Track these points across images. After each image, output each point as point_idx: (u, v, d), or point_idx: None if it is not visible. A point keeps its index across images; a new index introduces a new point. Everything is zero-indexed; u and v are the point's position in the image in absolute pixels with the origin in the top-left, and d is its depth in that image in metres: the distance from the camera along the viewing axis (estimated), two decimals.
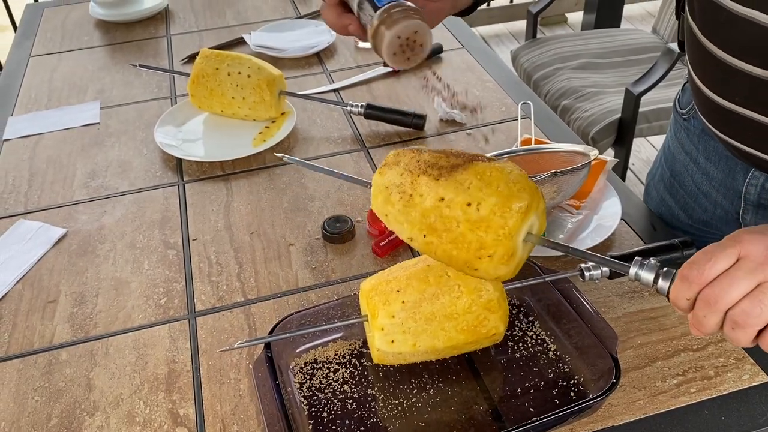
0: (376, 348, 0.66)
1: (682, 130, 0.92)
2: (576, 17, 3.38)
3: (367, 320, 0.67)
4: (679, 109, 0.93)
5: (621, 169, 1.80)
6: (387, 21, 0.62)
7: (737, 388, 0.68)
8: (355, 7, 0.66)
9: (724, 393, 0.68)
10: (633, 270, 0.58)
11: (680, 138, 0.93)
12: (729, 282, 0.50)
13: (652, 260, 0.58)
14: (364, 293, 0.68)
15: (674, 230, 0.96)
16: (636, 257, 0.59)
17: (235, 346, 0.66)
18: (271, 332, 0.69)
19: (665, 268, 0.57)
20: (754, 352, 0.71)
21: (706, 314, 0.52)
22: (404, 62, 0.64)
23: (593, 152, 0.86)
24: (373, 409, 0.67)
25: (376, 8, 0.63)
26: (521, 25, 3.34)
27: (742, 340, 0.51)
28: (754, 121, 0.72)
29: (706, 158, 0.88)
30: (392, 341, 0.65)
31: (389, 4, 0.62)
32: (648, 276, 0.57)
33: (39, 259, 0.90)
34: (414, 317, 0.64)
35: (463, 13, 0.78)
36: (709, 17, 0.71)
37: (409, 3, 0.63)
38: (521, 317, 0.76)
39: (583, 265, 0.70)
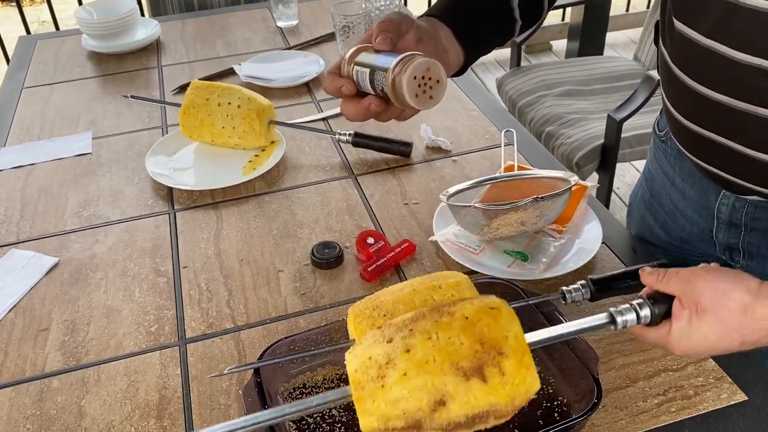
0: None
1: (660, 151, 0.96)
2: (560, 45, 3.45)
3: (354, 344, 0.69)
4: (657, 132, 0.97)
5: (605, 193, 1.83)
6: (399, 71, 0.66)
7: (716, 407, 0.70)
8: (368, 85, 0.70)
9: (703, 412, 0.70)
10: (620, 319, 0.60)
11: (659, 159, 0.96)
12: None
13: (621, 307, 0.61)
14: (352, 318, 0.69)
15: (654, 248, 0.99)
16: (609, 311, 0.61)
17: (225, 372, 0.68)
18: (260, 358, 0.71)
19: (636, 302, 0.61)
20: (733, 371, 0.73)
21: None
22: (428, 101, 0.68)
23: (573, 178, 0.89)
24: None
25: (385, 70, 0.68)
26: (507, 53, 3.40)
27: None
28: (720, 144, 0.75)
29: (682, 179, 0.91)
30: None
31: (394, 61, 0.67)
32: (631, 316, 0.60)
33: (31, 288, 0.91)
34: None
35: (455, 74, 0.81)
36: (678, 48, 0.75)
37: (414, 53, 0.67)
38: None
39: (564, 288, 0.72)
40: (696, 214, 0.90)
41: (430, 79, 0.67)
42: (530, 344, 0.57)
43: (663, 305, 0.61)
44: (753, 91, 0.68)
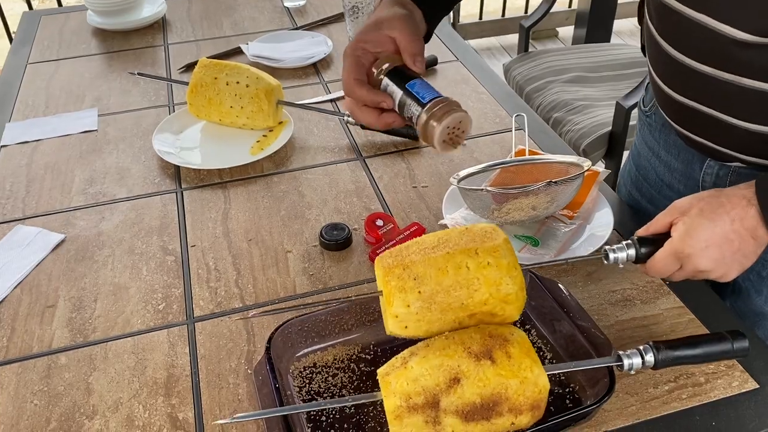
0: (389, 329, 0.64)
1: (645, 126, 0.98)
2: (566, 32, 3.43)
3: (382, 295, 0.64)
4: (642, 107, 1.00)
5: (612, 181, 1.82)
6: (435, 116, 0.71)
7: (727, 395, 0.70)
8: (394, 104, 0.75)
9: (714, 399, 0.69)
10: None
11: (644, 134, 0.99)
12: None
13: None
14: (381, 272, 0.64)
15: (643, 223, 0.99)
16: (618, 353, 0.65)
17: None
18: (270, 338, 0.70)
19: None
20: (744, 360, 0.73)
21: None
22: (450, 147, 0.73)
23: (586, 163, 0.88)
24: (372, 414, 0.68)
25: (421, 104, 0.72)
26: (512, 38, 3.38)
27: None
28: (707, 114, 0.78)
29: (666, 151, 0.94)
30: (405, 327, 0.63)
31: (433, 101, 0.71)
32: (637, 360, 0.65)
33: (37, 265, 0.90)
34: (429, 308, 0.62)
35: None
36: (665, 20, 0.77)
37: (449, 97, 0.72)
38: (518, 325, 0.77)
39: (607, 247, 0.69)
40: (681, 185, 0.92)
41: (458, 129, 0.72)
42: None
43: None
44: (737, 62, 0.70)
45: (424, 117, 0.71)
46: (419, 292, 0.62)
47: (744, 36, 0.67)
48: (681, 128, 0.85)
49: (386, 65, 0.75)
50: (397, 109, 0.75)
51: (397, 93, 0.74)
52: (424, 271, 0.62)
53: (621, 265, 0.70)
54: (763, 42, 0.67)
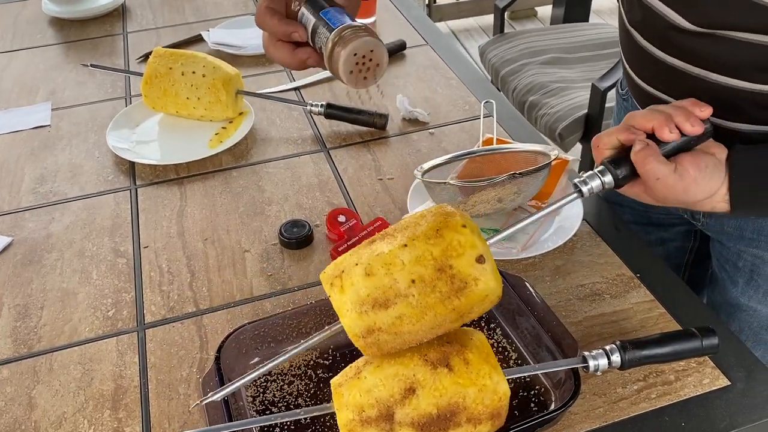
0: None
1: (622, 110, 0.95)
2: (545, 11, 3.38)
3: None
4: (620, 91, 0.96)
5: (588, 165, 1.80)
6: (341, 41, 0.63)
7: (698, 393, 0.67)
8: (308, 35, 0.67)
9: (684, 398, 0.67)
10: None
11: (621, 118, 0.95)
12: None
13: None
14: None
15: (620, 207, 0.96)
16: (583, 355, 0.61)
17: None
18: (221, 345, 0.67)
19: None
20: (715, 355, 0.70)
21: None
22: (361, 82, 0.66)
23: (554, 152, 0.85)
24: (328, 424, 0.64)
25: (330, 30, 0.64)
26: (491, 19, 3.32)
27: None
28: None
29: None
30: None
31: (342, 26, 0.64)
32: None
33: None
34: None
35: None
36: (636, 11, 0.73)
37: (361, 23, 0.64)
38: (482, 324, 0.74)
39: (576, 179, 0.62)
40: None
41: (370, 60, 0.64)
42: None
43: None
44: (705, 57, 0.67)
45: (330, 44, 0.64)
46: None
47: (709, 31, 0.64)
48: None
49: None
50: (310, 41, 0.67)
51: (311, 21, 0.66)
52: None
53: (599, 194, 0.63)
54: (699, 31, 0.64)
